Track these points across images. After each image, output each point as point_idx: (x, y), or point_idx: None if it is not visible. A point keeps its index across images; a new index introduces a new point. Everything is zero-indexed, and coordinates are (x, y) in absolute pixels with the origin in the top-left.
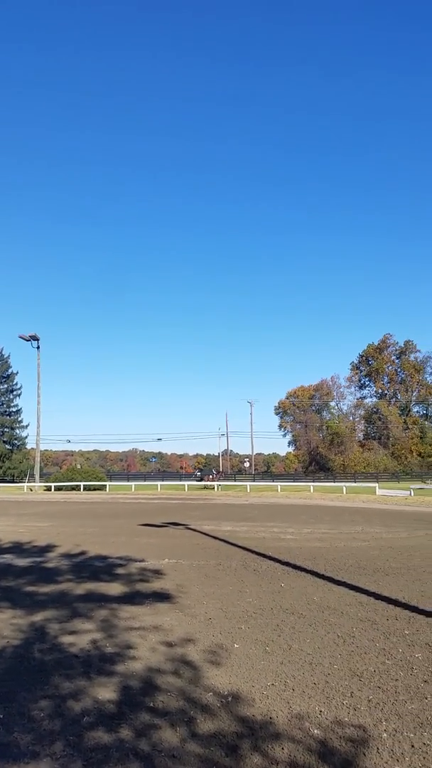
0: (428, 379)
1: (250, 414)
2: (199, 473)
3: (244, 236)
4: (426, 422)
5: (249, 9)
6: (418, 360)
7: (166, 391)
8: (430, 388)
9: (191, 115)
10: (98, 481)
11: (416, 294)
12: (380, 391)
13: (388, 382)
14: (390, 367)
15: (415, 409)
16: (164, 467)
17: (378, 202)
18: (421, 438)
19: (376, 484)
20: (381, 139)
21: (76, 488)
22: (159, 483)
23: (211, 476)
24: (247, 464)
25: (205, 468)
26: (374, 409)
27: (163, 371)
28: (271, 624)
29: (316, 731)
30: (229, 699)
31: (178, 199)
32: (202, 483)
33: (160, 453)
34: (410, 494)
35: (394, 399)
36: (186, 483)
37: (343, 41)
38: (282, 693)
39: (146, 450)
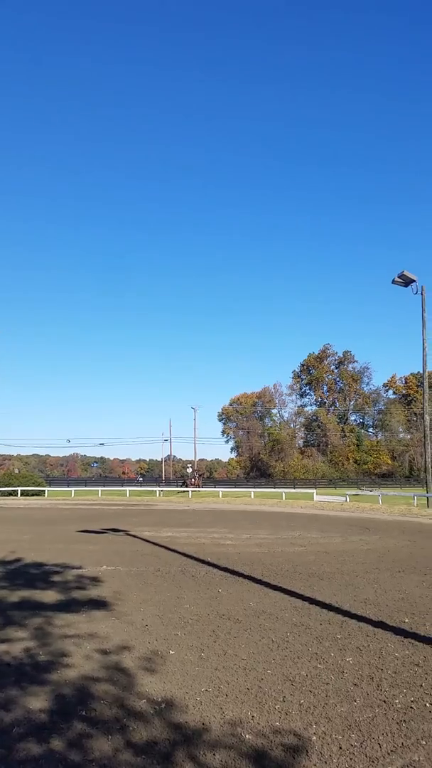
0: (365, 388)
1: (194, 420)
2: (183, 477)
3: (190, 238)
4: (362, 430)
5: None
6: (356, 370)
7: (109, 395)
8: (367, 397)
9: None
10: (36, 486)
11: (356, 305)
12: (320, 399)
13: (328, 391)
14: (329, 377)
15: (353, 418)
16: (106, 472)
17: (322, 208)
18: (357, 446)
19: (314, 491)
20: (324, 148)
21: (13, 493)
22: (100, 489)
23: (194, 479)
24: (189, 470)
25: (189, 471)
26: (314, 417)
27: (105, 375)
28: (207, 630)
29: (248, 737)
30: (163, 706)
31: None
32: (183, 489)
33: (102, 458)
34: (346, 500)
35: (332, 407)
36: (128, 489)
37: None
38: (215, 699)
39: (88, 455)
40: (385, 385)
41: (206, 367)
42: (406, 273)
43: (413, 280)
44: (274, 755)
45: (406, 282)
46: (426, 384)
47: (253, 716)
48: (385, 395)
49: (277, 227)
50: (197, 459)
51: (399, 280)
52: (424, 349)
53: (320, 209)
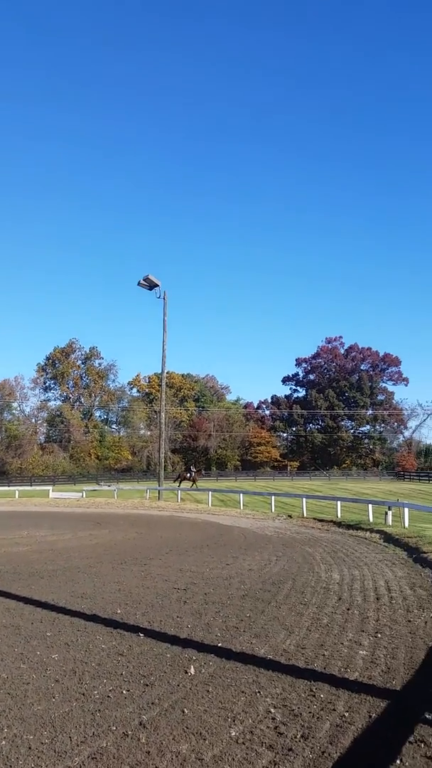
0: (110, 385)
1: None
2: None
3: None
4: (106, 426)
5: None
6: (102, 367)
7: None
8: (112, 394)
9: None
10: None
11: (104, 302)
12: (65, 394)
13: (73, 386)
14: (75, 372)
15: (97, 414)
16: None
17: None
18: (100, 442)
19: (51, 487)
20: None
21: None
22: None
23: (190, 474)
24: None
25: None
26: (57, 412)
27: None
28: None
29: None
30: None
31: None
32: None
33: None
34: (82, 496)
35: (77, 403)
36: None
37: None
38: None
39: None
40: (129, 383)
41: None
42: (150, 277)
43: (157, 285)
44: None
45: (151, 285)
46: (164, 383)
47: None
48: (129, 393)
49: (31, 214)
50: None
51: (144, 283)
52: (164, 351)
53: (77, 200)
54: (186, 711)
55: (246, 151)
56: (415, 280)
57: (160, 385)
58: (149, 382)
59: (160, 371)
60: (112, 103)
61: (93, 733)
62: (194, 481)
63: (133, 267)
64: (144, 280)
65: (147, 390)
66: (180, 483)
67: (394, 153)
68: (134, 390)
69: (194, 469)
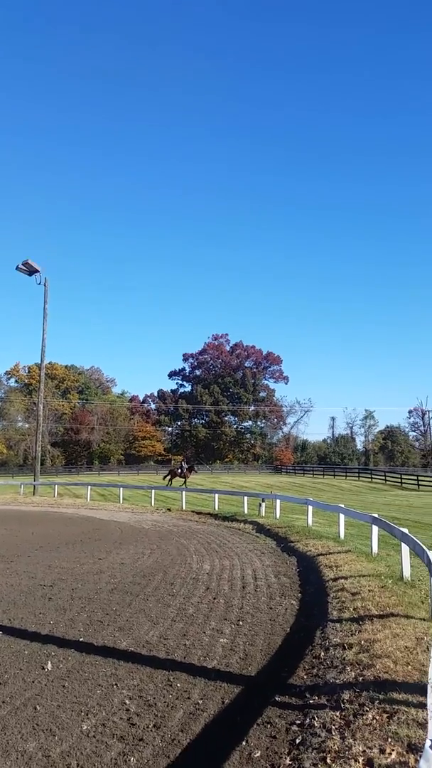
0: None
1: None
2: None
3: None
4: None
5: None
6: None
7: None
8: None
9: None
10: None
11: None
12: None
13: None
14: None
15: None
16: None
17: None
18: None
19: None
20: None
21: None
22: None
23: (181, 470)
24: None
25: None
26: None
27: None
28: None
29: None
30: None
31: None
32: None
33: None
34: None
35: None
36: None
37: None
38: None
39: None
40: (7, 373)
41: None
42: (30, 261)
43: (37, 270)
44: None
45: (30, 271)
46: (43, 373)
47: None
48: (6, 383)
49: None
50: None
51: (23, 267)
52: (43, 340)
53: None
54: (38, 708)
55: (122, 132)
56: (297, 285)
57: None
58: (29, 372)
59: (40, 361)
60: None
61: None
62: (185, 478)
63: (11, 253)
64: (23, 264)
65: (27, 381)
66: (170, 481)
67: (267, 166)
68: (12, 380)
69: (186, 465)
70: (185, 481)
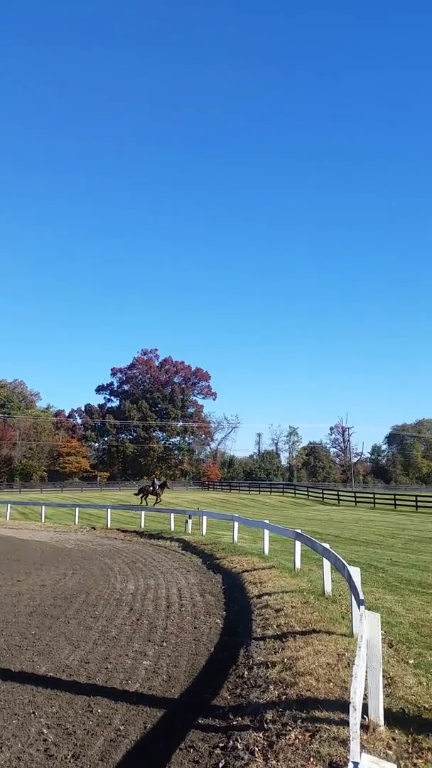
0: None
1: None
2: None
3: None
4: None
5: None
6: None
7: None
8: None
9: None
10: None
11: None
12: None
13: None
14: None
15: None
16: None
17: None
18: None
19: None
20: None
21: None
22: None
23: (154, 488)
24: None
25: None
26: None
27: None
28: None
29: None
30: None
31: None
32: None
33: None
34: None
35: None
36: None
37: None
38: None
39: None
40: None
41: None
42: None
43: None
44: None
45: None
46: None
47: None
48: None
49: None
50: None
51: None
52: None
53: None
54: None
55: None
56: (225, 301)
57: None
58: None
59: None
60: None
61: None
62: (158, 495)
63: None
64: None
65: None
66: (144, 499)
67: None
68: None
69: (158, 482)
70: (158, 499)
